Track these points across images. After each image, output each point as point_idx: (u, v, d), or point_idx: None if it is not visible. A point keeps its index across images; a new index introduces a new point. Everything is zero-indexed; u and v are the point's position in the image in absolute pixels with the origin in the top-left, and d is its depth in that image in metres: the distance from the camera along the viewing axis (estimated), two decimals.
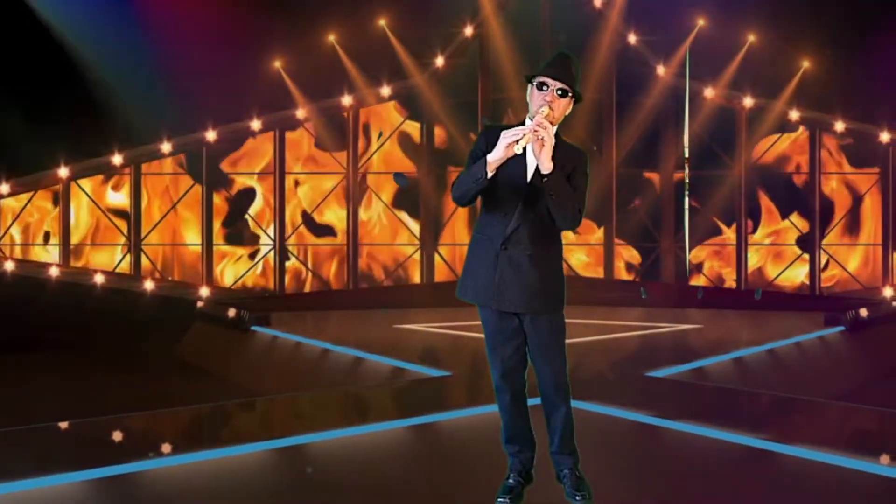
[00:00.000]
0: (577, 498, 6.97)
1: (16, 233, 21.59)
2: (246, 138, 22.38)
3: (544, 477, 7.19)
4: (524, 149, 6.71)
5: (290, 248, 22.53)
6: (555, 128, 6.88)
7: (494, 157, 6.70)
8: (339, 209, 22.80)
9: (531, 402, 7.14)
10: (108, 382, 16.09)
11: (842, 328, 17.54)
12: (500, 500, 6.99)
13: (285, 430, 10.09)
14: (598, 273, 22.89)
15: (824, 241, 22.77)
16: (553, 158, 6.75)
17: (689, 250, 22.58)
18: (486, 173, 6.71)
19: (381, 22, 22.27)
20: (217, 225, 22.42)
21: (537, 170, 6.81)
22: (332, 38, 22.21)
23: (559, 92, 6.86)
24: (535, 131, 6.66)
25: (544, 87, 6.88)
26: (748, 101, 22.43)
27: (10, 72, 19.99)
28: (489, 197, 6.94)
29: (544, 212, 6.88)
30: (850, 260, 22.81)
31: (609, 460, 8.44)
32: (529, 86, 6.98)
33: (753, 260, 23.06)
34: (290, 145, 22.63)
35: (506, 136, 6.69)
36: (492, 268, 6.91)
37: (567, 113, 6.99)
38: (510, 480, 7.07)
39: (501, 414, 7.13)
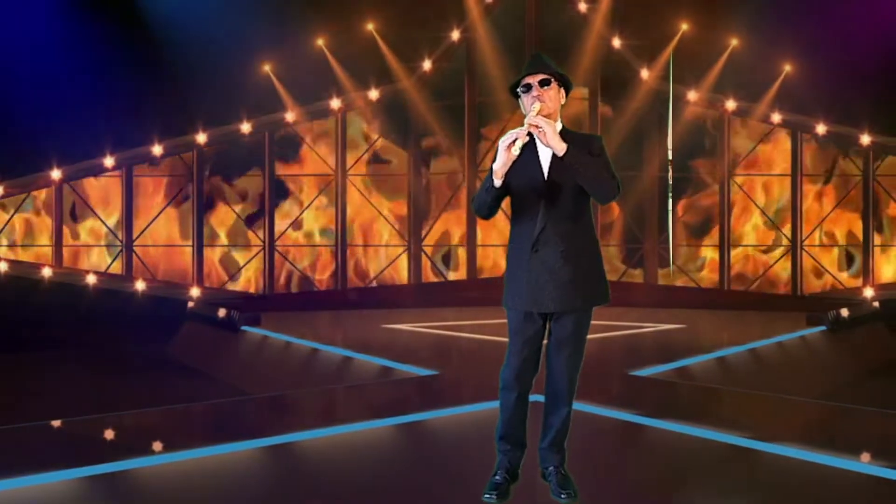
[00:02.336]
0: (563, 496, 7.04)
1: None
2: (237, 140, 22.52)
3: (530, 475, 7.29)
4: (535, 147, 6.85)
5: (279, 248, 22.63)
6: (558, 122, 6.99)
7: (498, 165, 6.82)
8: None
9: (533, 398, 7.20)
10: (99, 381, 16.05)
11: (823, 328, 17.60)
12: (486, 496, 7.05)
13: (275, 428, 10.10)
14: None
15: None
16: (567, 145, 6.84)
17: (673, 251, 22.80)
18: (494, 182, 6.83)
19: (370, 26, 22.33)
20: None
21: (553, 164, 6.89)
22: (320, 41, 22.33)
23: (543, 84, 6.95)
24: (530, 125, 6.76)
25: (529, 88, 6.97)
26: (731, 105, 22.59)
27: None
28: (515, 205, 7.04)
29: (569, 206, 6.95)
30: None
31: (593, 458, 8.49)
32: (519, 99, 7.07)
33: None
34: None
35: (502, 142, 6.80)
36: (526, 272, 6.97)
37: (563, 103, 7.08)
38: (497, 477, 7.14)
39: (501, 411, 7.18)
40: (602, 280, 7.10)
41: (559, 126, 6.99)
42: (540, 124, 6.77)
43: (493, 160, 6.97)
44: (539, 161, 6.96)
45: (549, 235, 6.94)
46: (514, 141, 6.77)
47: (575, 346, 7.10)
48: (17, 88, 19.97)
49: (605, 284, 7.12)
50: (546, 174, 6.95)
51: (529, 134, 6.81)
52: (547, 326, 7.11)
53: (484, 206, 7.00)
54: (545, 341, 7.16)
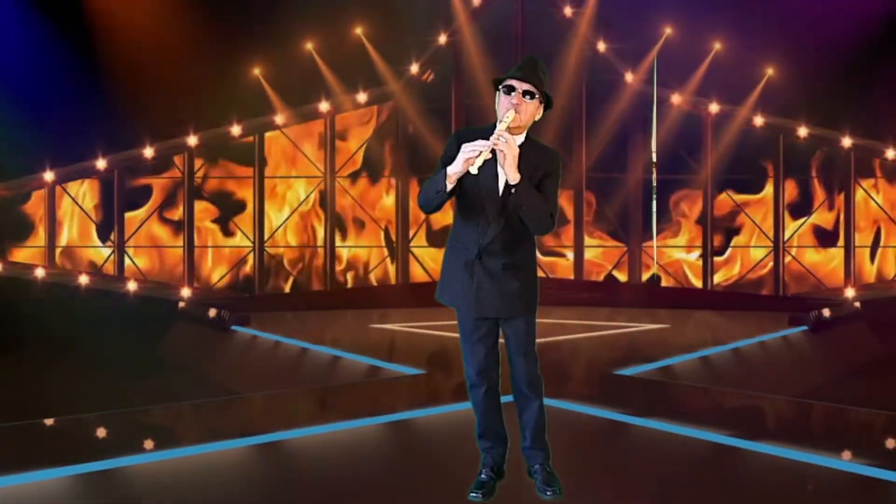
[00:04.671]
0: (548, 493, 7.09)
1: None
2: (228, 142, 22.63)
3: (516, 473, 7.37)
4: (496, 157, 6.71)
5: (267, 249, 22.72)
6: (524, 132, 6.91)
7: (453, 171, 6.71)
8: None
9: (504, 399, 7.26)
10: (91, 380, 15.97)
11: (805, 328, 17.69)
12: (472, 494, 7.11)
13: (264, 427, 10.12)
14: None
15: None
16: (525, 163, 6.76)
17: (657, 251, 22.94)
18: (446, 186, 6.75)
19: (358, 30, 22.41)
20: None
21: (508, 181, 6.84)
22: (309, 46, 22.41)
23: (526, 95, 6.83)
24: (496, 144, 6.65)
25: (511, 91, 6.83)
26: (714, 107, 22.74)
27: None
28: (463, 206, 6.97)
29: (517, 220, 6.91)
30: None
31: (579, 456, 8.56)
32: (497, 91, 6.92)
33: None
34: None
35: (464, 151, 6.68)
36: (468, 277, 6.98)
37: (537, 118, 6.92)
38: (482, 476, 7.20)
39: (475, 410, 7.25)
40: (537, 289, 7.16)
41: (522, 137, 6.92)
42: (503, 149, 6.68)
43: (445, 150, 6.97)
44: (497, 173, 6.88)
45: (496, 246, 6.95)
46: (477, 155, 6.65)
47: (529, 344, 7.15)
48: (8, 90, 20.10)
49: (538, 293, 7.17)
50: (501, 188, 6.90)
51: (493, 150, 6.71)
52: (498, 325, 7.18)
53: (432, 204, 6.90)
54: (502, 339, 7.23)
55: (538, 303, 7.19)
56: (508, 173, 6.75)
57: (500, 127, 6.75)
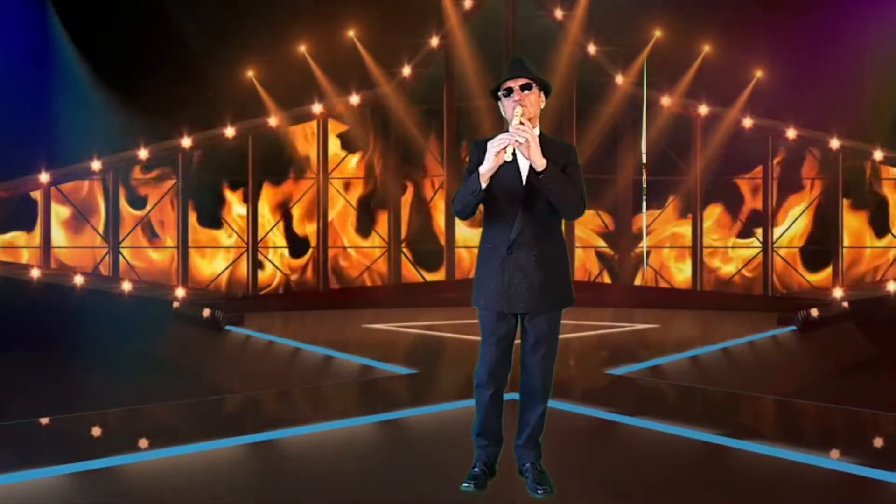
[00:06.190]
0: (539, 492, 7.17)
1: None
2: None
3: (507, 471, 7.45)
4: (514, 154, 6.89)
5: (261, 249, 22.79)
6: (536, 127, 7.08)
7: (486, 168, 6.91)
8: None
9: (507, 396, 7.35)
10: (85, 380, 16.00)
11: (793, 328, 17.77)
12: (464, 485, 7.21)
13: (257, 426, 10.21)
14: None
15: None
16: (545, 156, 6.92)
17: (647, 252, 23.04)
18: (481, 185, 6.92)
19: (350, 33, 22.50)
20: None
21: (531, 171, 6.98)
22: (302, 48, 22.50)
23: (524, 89, 7.05)
24: (518, 132, 6.83)
25: (510, 92, 7.07)
26: (703, 109, 22.85)
27: None
28: (490, 207, 7.12)
29: (544, 213, 7.07)
30: None
31: (569, 455, 8.61)
32: (499, 101, 7.17)
33: None
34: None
35: (492, 147, 6.87)
36: (500, 273, 7.09)
37: (542, 107, 7.14)
38: (476, 469, 7.28)
39: (478, 409, 7.30)
40: (569, 283, 7.25)
41: (536, 132, 7.06)
42: (526, 137, 6.85)
43: (468, 163, 7.14)
44: (518, 167, 7.05)
45: (524, 239, 7.05)
46: (505, 147, 6.85)
47: (549, 345, 7.21)
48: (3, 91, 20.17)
49: (572, 287, 7.27)
50: (524, 180, 7.05)
51: (517, 141, 6.89)
52: (518, 326, 7.24)
53: (468, 208, 7.09)
54: (518, 340, 7.27)
55: (572, 300, 7.27)
56: (535, 159, 6.91)
57: (515, 122, 6.93)
